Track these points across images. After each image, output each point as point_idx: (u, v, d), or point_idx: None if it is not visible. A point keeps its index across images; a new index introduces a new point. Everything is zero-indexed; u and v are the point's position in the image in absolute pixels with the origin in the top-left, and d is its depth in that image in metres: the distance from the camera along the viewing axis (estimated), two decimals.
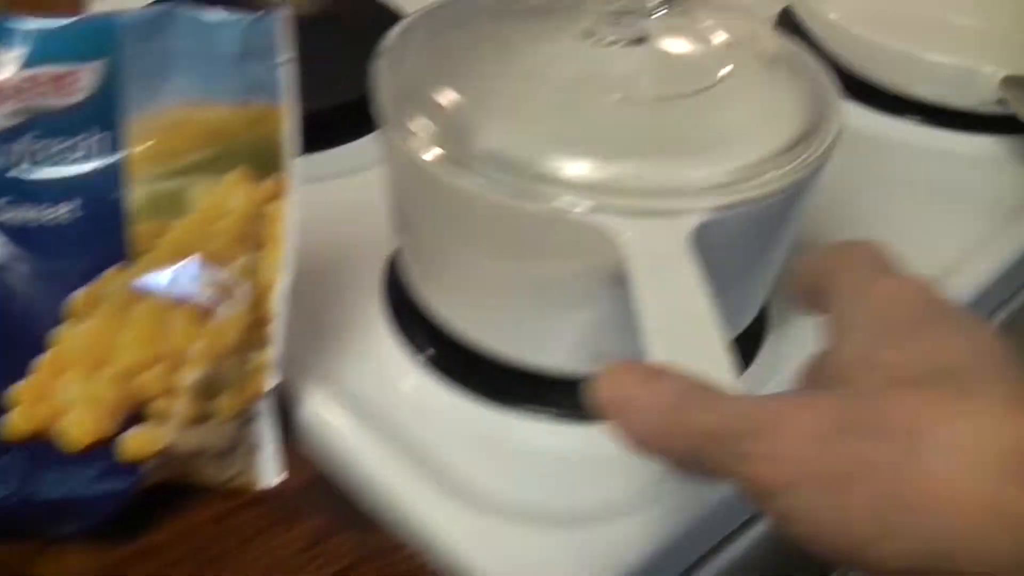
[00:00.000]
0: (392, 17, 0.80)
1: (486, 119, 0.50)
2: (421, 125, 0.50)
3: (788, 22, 0.89)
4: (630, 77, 0.54)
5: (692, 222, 0.47)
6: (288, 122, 0.50)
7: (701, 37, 0.58)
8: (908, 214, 0.72)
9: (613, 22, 0.54)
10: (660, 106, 0.52)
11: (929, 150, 0.80)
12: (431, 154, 0.49)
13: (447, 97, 0.51)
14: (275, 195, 0.51)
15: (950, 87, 0.80)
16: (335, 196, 0.65)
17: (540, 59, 0.54)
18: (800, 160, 0.50)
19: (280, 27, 0.49)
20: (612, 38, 0.54)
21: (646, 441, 0.34)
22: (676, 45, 0.56)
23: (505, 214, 0.48)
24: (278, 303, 0.51)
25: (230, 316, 0.50)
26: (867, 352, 0.34)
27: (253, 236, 0.51)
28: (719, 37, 0.57)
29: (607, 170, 0.48)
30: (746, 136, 0.52)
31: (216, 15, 0.49)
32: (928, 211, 0.73)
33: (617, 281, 0.46)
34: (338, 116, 0.70)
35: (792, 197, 0.51)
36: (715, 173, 0.48)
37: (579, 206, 0.47)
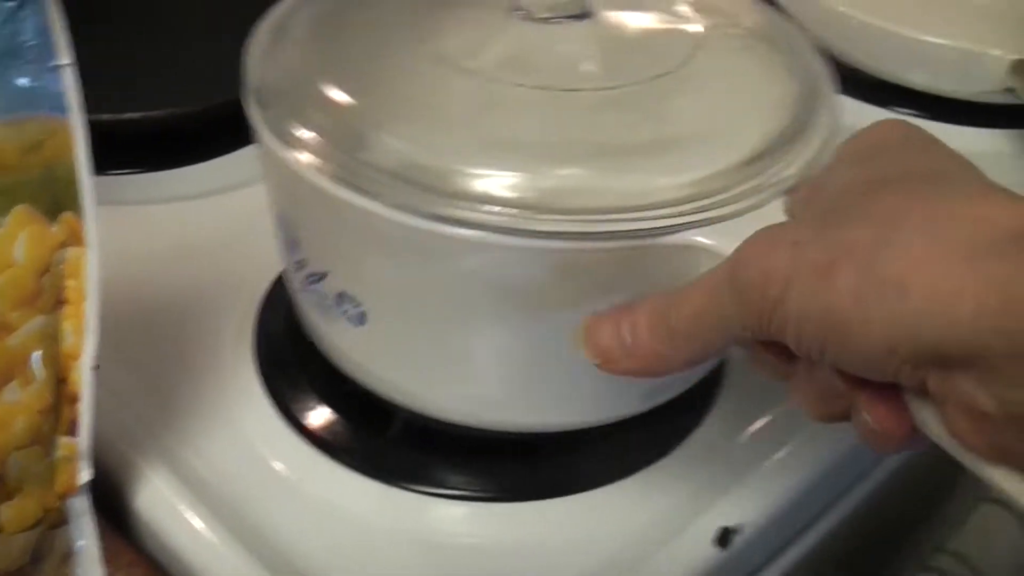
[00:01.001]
0: None
1: (389, 119, 0.40)
2: (307, 130, 0.39)
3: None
4: (570, 61, 0.44)
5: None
6: (78, 143, 0.38)
7: (659, 9, 0.48)
8: None
9: None
10: (609, 97, 0.42)
11: None
12: (320, 167, 0.38)
13: (339, 93, 0.41)
14: (71, 239, 0.39)
15: (950, 74, 0.73)
16: (201, 217, 0.57)
17: (455, 41, 0.44)
18: (781, 166, 0.40)
19: (54, 17, 0.37)
20: (547, 12, 0.45)
21: (654, 367, 0.37)
22: (627, 19, 0.47)
23: (415, 238, 0.38)
24: (84, 378, 0.39)
25: (17, 400, 0.38)
26: (848, 178, 0.35)
27: (47, 293, 0.39)
28: (682, 9, 0.48)
29: (540, 181, 0.38)
30: (716, 136, 0.41)
31: None
32: None
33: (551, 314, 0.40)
34: (216, 121, 0.60)
35: None
36: (677, 183, 0.38)
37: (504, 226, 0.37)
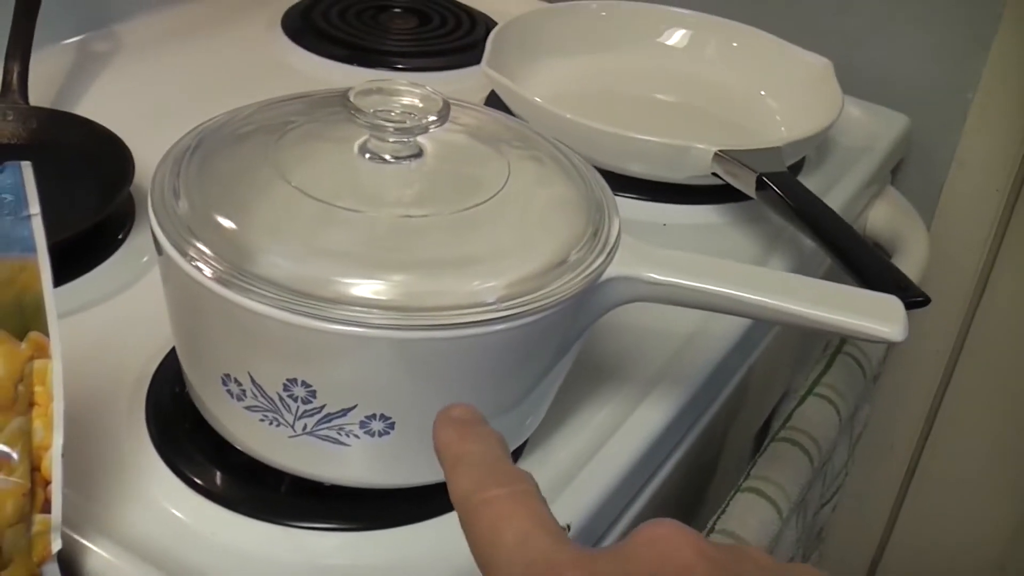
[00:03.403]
0: (107, 136, 0.78)
1: (266, 240, 0.50)
2: (204, 250, 0.49)
3: (495, 107, 0.90)
4: (408, 193, 0.55)
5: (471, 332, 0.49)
6: (45, 275, 0.48)
7: (472, 146, 0.60)
8: None
9: (388, 137, 0.55)
10: (445, 220, 0.53)
11: (649, 223, 0.83)
12: (217, 279, 0.48)
13: (226, 220, 0.51)
14: (37, 353, 0.48)
15: (664, 164, 0.83)
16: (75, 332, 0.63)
17: (315, 178, 0.54)
18: (589, 259, 0.53)
19: (28, 176, 0.47)
20: (389, 154, 0.55)
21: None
22: (450, 156, 0.58)
23: (297, 333, 0.48)
24: (55, 464, 0.49)
25: (6, 488, 0.47)
26: None
27: (21, 399, 0.48)
28: (493, 145, 0.59)
29: (393, 288, 0.49)
30: (529, 245, 0.53)
31: None
32: None
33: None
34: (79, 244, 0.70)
35: (575, 306, 0.53)
36: (502, 284, 0.50)
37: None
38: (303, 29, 1.08)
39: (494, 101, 0.92)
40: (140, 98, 0.93)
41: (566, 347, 0.56)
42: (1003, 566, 1.20)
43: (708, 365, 0.69)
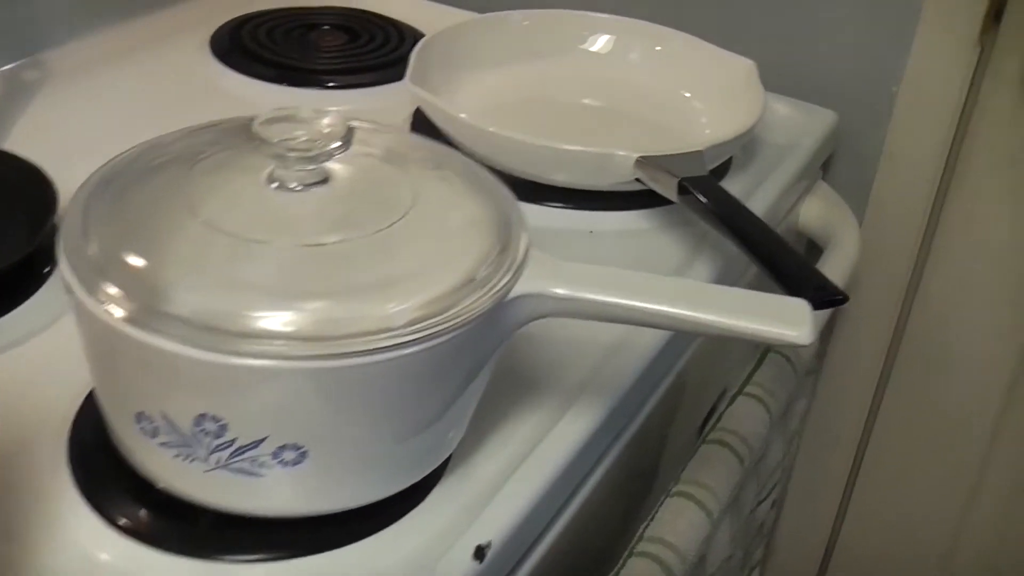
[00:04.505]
0: (28, 169, 0.78)
1: (175, 277, 0.51)
2: (112, 290, 0.49)
3: (421, 123, 0.92)
4: (315, 221, 0.55)
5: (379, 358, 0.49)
6: None
7: (380, 169, 0.60)
8: None
9: (293, 166, 0.55)
10: (351, 247, 0.53)
11: (576, 231, 0.83)
12: (125, 319, 0.48)
13: (135, 258, 0.51)
14: None
15: (588, 172, 0.84)
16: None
17: (223, 209, 0.54)
18: (498, 276, 0.53)
19: None
20: (296, 183, 0.56)
21: None
22: (357, 181, 0.58)
23: (204, 369, 0.48)
24: None
25: None
26: None
27: None
28: (401, 166, 0.59)
29: (305, 317, 0.49)
30: (438, 265, 0.54)
31: None
32: None
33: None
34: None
35: (483, 325, 0.53)
36: (412, 306, 0.50)
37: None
38: (232, 50, 1.08)
39: (422, 115, 0.93)
40: (69, 127, 0.93)
41: (480, 364, 0.56)
42: (951, 550, 1.22)
43: (633, 373, 0.70)
